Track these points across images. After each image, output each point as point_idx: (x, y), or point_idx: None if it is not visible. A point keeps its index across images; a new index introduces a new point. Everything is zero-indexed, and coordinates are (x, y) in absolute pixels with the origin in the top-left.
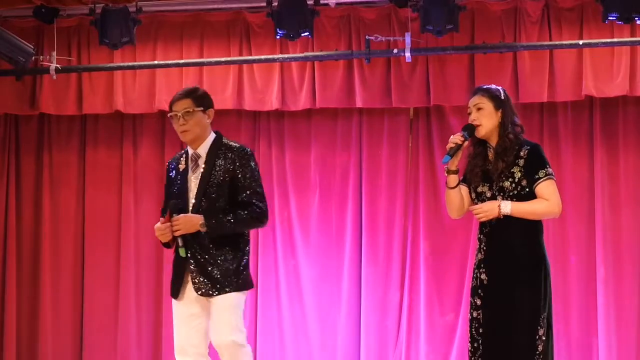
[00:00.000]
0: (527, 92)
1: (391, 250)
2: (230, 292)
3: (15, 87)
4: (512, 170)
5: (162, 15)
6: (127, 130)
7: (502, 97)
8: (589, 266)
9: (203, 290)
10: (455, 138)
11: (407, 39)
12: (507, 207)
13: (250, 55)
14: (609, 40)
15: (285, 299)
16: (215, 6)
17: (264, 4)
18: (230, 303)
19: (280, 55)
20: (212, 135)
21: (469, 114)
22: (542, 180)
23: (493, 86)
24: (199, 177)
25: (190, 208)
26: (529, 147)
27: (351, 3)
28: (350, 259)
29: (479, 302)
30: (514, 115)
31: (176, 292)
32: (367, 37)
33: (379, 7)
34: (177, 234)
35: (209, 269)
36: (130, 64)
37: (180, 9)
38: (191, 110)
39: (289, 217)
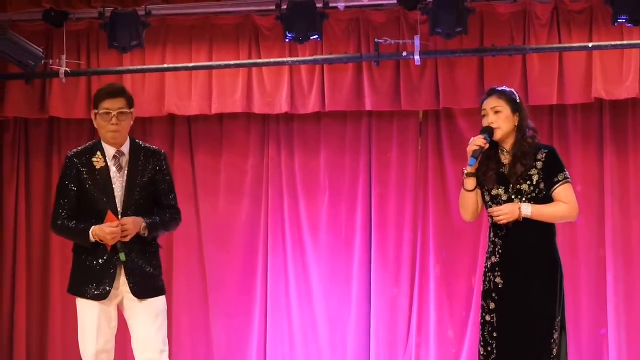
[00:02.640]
0: (537, 94)
1: (401, 252)
2: (162, 294)
3: (24, 91)
4: (529, 173)
5: (171, 18)
6: (137, 133)
7: (518, 101)
8: (598, 267)
9: (140, 292)
10: (478, 140)
11: (416, 41)
12: (527, 209)
13: (259, 58)
14: (618, 42)
15: (294, 300)
16: (224, 9)
17: (273, 7)
18: (164, 306)
19: (289, 59)
20: (128, 136)
21: (484, 115)
22: (560, 183)
23: (507, 88)
24: (125, 177)
25: (120, 210)
26: (546, 150)
27: (360, 6)
28: (360, 261)
29: (492, 305)
30: (527, 118)
31: (105, 293)
32: (376, 40)
33: (388, 9)
34: (127, 238)
35: (146, 270)
36: (139, 67)
37: (189, 12)
38: (127, 110)
39: (298, 219)
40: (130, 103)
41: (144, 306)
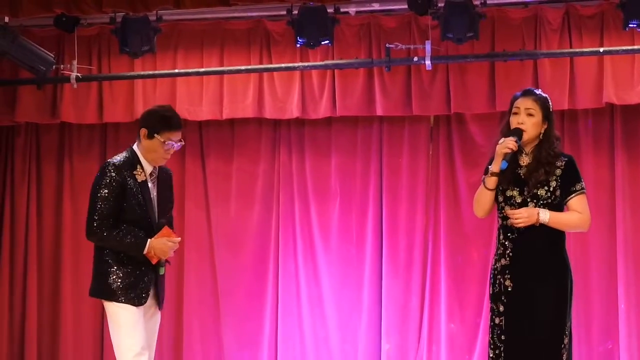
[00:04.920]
0: None
1: (412, 257)
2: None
3: (36, 96)
4: (548, 179)
5: (183, 23)
6: None
7: (551, 109)
8: (610, 272)
9: (161, 303)
10: (511, 144)
11: (428, 46)
12: (546, 215)
13: (271, 63)
14: (629, 47)
15: (305, 305)
16: (236, 15)
17: (284, 13)
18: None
19: (300, 64)
20: None
21: (515, 113)
22: (577, 193)
23: (544, 94)
24: (157, 193)
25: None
26: (565, 159)
27: (371, 11)
28: (371, 266)
29: (501, 308)
30: (554, 127)
31: (143, 301)
32: (387, 45)
33: (399, 15)
34: (171, 253)
35: (163, 283)
36: (150, 72)
37: (200, 18)
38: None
39: (310, 224)
40: None
41: (158, 316)
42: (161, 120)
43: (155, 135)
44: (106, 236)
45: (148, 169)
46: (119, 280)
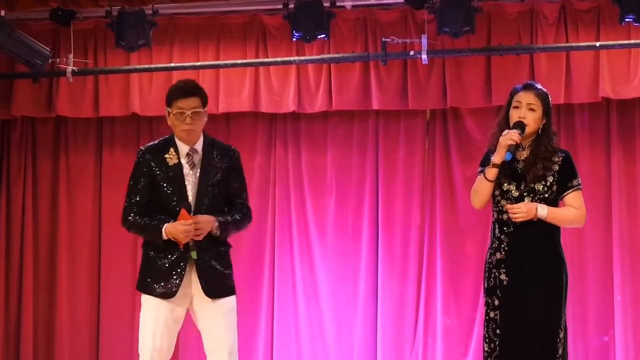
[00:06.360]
0: None
1: (408, 251)
2: (233, 294)
3: (32, 90)
4: (546, 174)
5: (179, 17)
6: (144, 132)
7: (550, 105)
8: (606, 267)
9: (212, 291)
10: (514, 136)
11: (424, 41)
12: (544, 210)
13: (267, 57)
14: (625, 42)
15: (301, 300)
16: (232, 8)
17: (280, 7)
18: (234, 306)
19: (296, 58)
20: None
21: (516, 107)
22: (574, 189)
23: (545, 89)
24: (198, 174)
25: (192, 208)
26: (562, 155)
27: (367, 5)
28: (367, 260)
29: (496, 302)
30: (552, 122)
31: (172, 292)
32: (383, 39)
33: (395, 9)
34: (200, 237)
35: (217, 269)
36: (146, 66)
37: (196, 12)
38: (201, 110)
39: (305, 218)
40: (204, 101)
41: (214, 306)
42: (170, 93)
43: (169, 109)
44: (130, 222)
45: (184, 150)
46: (147, 271)
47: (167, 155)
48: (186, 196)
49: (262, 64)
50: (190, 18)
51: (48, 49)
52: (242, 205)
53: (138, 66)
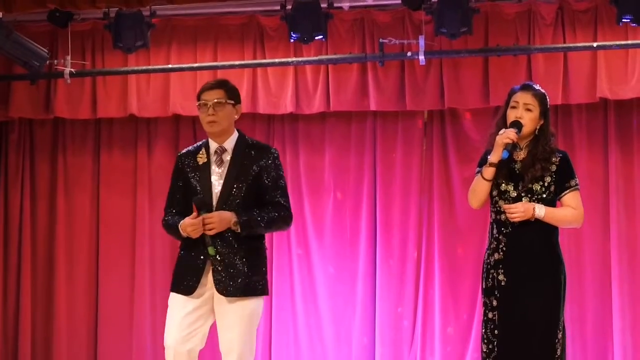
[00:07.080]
0: None
1: (405, 252)
2: (254, 296)
3: (29, 92)
4: (543, 174)
5: (176, 19)
6: (142, 134)
7: (548, 106)
8: (604, 267)
9: (225, 289)
10: (511, 134)
11: (421, 41)
12: (542, 210)
13: (264, 58)
14: (623, 42)
15: (299, 300)
16: (229, 10)
17: (277, 8)
18: (254, 309)
19: (294, 59)
20: (236, 133)
21: (513, 107)
22: (571, 189)
23: (542, 90)
24: (225, 172)
25: (215, 203)
26: (560, 155)
27: (365, 6)
28: (365, 261)
29: (495, 302)
30: (550, 123)
31: (189, 288)
32: (380, 40)
33: (392, 10)
34: (211, 232)
35: (238, 267)
36: (144, 67)
37: (194, 13)
38: (223, 101)
39: (303, 219)
40: (231, 95)
41: (231, 306)
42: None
43: (197, 106)
44: (164, 225)
45: (213, 148)
46: (176, 268)
47: (198, 156)
48: (210, 193)
49: (260, 65)
50: (188, 19)
51: (46, 50)
52: (277, 204)
53: (136, 67)
